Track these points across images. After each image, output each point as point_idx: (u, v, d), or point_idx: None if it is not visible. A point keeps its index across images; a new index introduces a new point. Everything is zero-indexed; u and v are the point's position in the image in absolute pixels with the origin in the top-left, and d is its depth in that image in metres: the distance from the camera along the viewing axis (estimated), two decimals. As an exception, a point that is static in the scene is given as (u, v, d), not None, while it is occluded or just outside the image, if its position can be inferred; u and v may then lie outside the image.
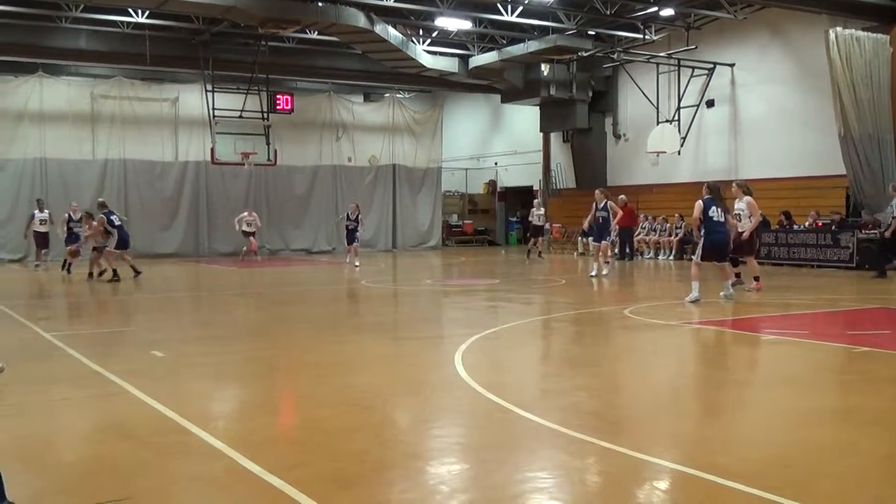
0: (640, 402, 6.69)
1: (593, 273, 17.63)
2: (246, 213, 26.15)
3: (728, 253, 13.23)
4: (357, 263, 22.23)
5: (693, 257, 13.30)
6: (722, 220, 12.73)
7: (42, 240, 22.73)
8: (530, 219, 25.96)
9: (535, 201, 26.53)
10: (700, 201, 12.81)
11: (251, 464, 4.74)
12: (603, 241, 17.94)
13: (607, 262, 18.26)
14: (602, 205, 17.75)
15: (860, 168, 20.39)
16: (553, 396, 6.83)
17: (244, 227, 25.70)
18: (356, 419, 5.89)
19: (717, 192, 12.87)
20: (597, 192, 18.30)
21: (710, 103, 25.82)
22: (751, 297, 13.64)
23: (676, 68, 25.45)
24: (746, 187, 14.33)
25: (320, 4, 21.32)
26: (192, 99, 28.02)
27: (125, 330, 11.30)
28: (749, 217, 13.85)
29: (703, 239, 12.74)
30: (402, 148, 32.96)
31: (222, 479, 4.62)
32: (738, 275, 14.26)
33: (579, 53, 26.54)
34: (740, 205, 13.98)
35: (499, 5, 22.65)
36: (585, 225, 19.18)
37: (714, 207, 12.64)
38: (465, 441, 5.45)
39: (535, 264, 23.09)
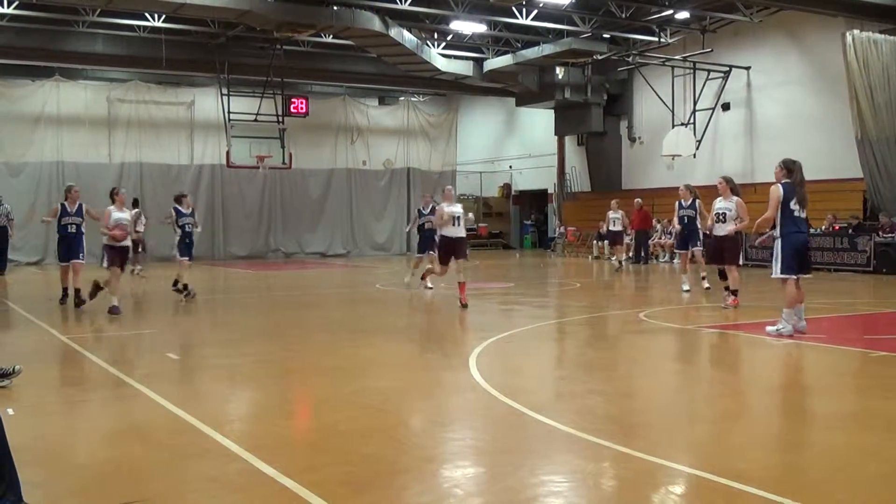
0: (655, 405, 6.66)
1: (686, 288, 14.97)
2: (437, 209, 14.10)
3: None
4: (430, 285, 16.28)
5: (774, 272, 9.62)
6: (803, 215, 9.56)
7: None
8: (605, 223, 23.71)
9: (613, 202, 23.05)
10: (779, 186, 9.44)
11: (266, 466, 4.75)
12: (695, 248, 14.96)
13: (703, 277, 15.21)
14: (689, 202, 14.95)
15: (877, 171, 20.27)
16: (568, 400, 6.81)
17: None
18: (371, 422, 5.89)
19: (799, 175, 9.54)
20: (682, 187, 15.32)
21: (726, 106, 25.75)
22: (756, 302, 13.49)
23: (692, 71, 25.37)
24: (735, 185, 12.84)
25: (335, 8, 21.40)
26: (207, 102, 28.22)
27: (141, 333, 11.35)
28: (735, 220, 12.40)
29: (779, 242, 9.50)
30: (417, 151, 33.06)
31: (237, 482, 4.63)
32: (727, 288, 12.83)
33: (594, 57, 26.53)
34: (728, 204, 12.56)
35: (513, 8, 22.64)
36: (675, 227, 16.06)
37: (795, 198, 9.47)
38: (480, 444, 5.44)
39: (552, 267, 23.00)
